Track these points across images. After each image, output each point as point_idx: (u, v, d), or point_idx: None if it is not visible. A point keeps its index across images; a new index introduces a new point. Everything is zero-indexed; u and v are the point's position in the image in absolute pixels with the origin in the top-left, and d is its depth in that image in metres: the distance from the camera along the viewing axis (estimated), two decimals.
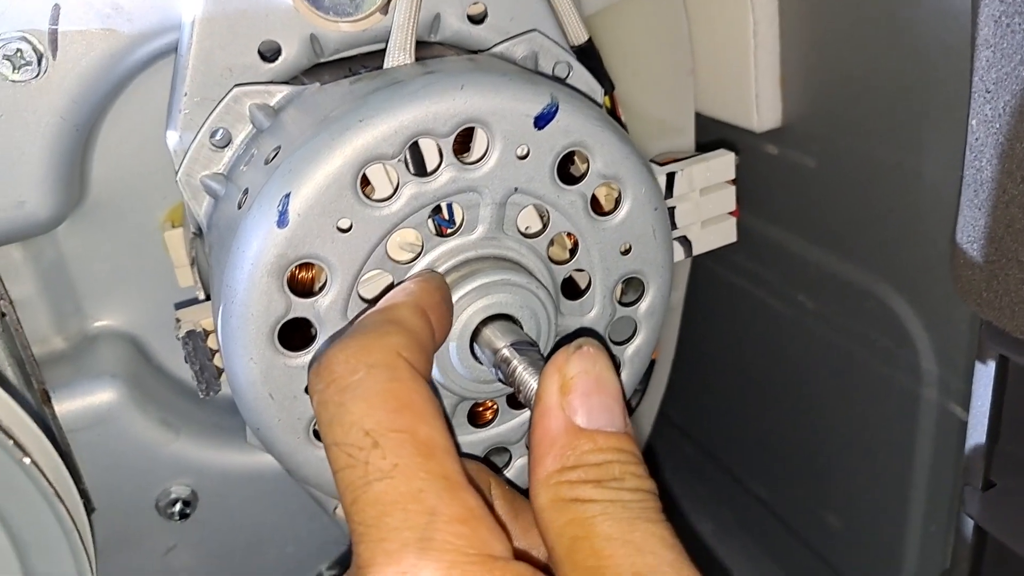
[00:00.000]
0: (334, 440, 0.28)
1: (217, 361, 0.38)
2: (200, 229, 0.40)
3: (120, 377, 0.45)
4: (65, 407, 0.44)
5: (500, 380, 0.34)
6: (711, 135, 0.61)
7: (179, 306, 0.41)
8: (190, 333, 0.37)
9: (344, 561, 0.54)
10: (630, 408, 0.58)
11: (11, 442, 0.28)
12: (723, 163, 0.44)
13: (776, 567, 0.75)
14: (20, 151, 0.38)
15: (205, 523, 0.48)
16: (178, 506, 0.47)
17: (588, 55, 0.44)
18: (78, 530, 0.31)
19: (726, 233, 0.46)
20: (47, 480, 0.29)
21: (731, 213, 0.45)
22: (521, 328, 0.36)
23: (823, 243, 0.58)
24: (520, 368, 0.33)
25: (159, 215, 0.46)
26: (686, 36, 0.53)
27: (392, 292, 0.33)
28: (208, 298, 0.42)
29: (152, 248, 0.46)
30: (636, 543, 0.27)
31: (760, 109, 0.56)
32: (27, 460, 0.29)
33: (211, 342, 0.38)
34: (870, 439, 0.60)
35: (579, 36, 0.44)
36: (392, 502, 0.26)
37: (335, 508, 0.48)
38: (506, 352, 0.34)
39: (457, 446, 0.29)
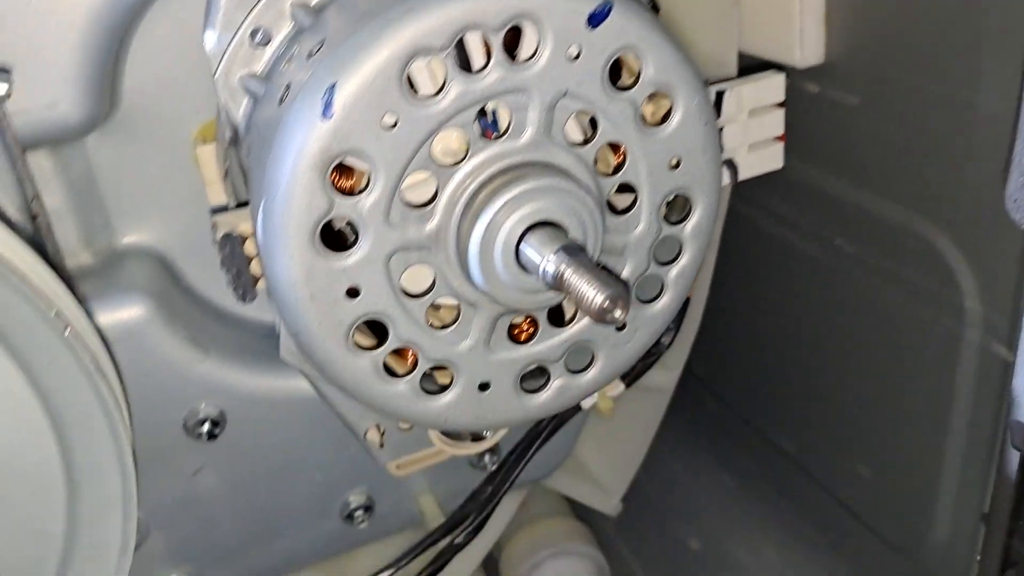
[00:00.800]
0: None
1: (254, 267, 0.37)
2: (236, 135, 0.39)
3: (149, 292, 0.44)
4: (95, 321, 0.43)
5: (548, 286, 0.33)
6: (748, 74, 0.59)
7: (214, 213, 0.40)
8: (227, 236, 0.36)
9: (373, 490, 0.53)
10: (660, 347, 0.57)
11: (54, 312, 0.27)
12: (773, 84, 0.43)
13: (801, 520, 0.74)
14: (54, 51, 0.37)
15: (233, 445, 0.48)
16: (206, 426, 0.46)
17: None
18: (119, 413, 0.30)
19: (773, 158, 0.44)
20: (90, 354, 0.28)
21: (778, 138, 0.44)
22: (568, 236, 0.34)
23: (865, 184, 0.57)
24: (569, 271, 0.32)
25: (191, 130, 0.45)
26: None
27: None
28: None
29: (183, 165, 0.45)
30: None
31: (803, 43, 0.54)
32: (69, 331, 0.28)
33: (247, 249, 0.37)
34: (907, 384, 0.58)
35: None
36: None
37: (365, 432, 0.47)
38: (555, 256, 0.33)
39: None
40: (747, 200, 0.65)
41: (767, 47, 0.57)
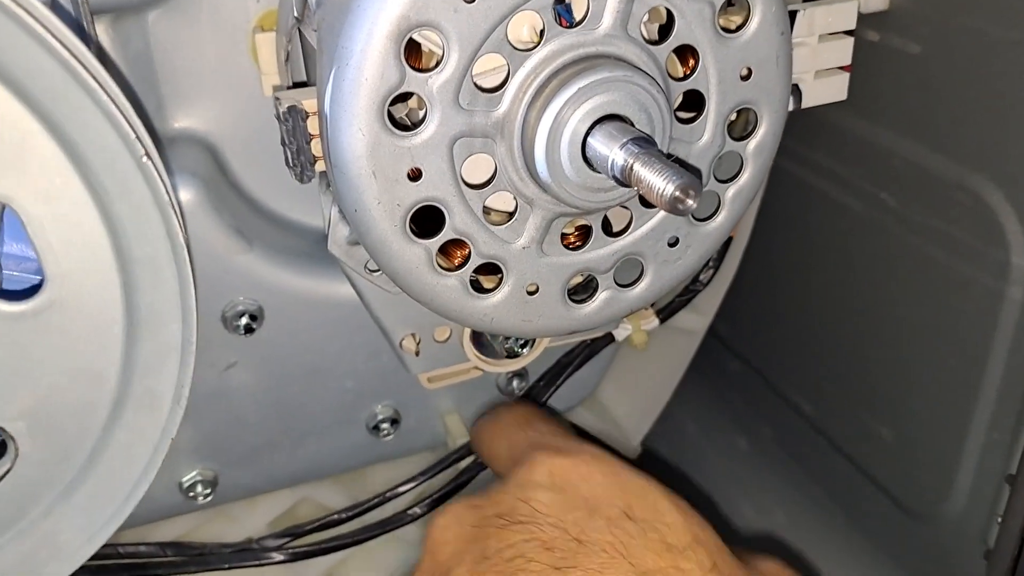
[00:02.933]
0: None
1: (314, 147, 0.37)
2: (302, 14, 0.38)
3: (198, 177, 0.44)
4: None
5: (616, 180, 0.33)
6: None
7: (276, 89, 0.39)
8: (291, 109, 0.35)
9: (401, 404, 0.53)
10: (699, 284, 0.57)
11: (134, 134, 0.26)
12: (845, 9, 0.42)
13: (815, 483, 0.74)
14: None
15: (268, 342, 0.47)
16: (244, 320, 0.46)
17: None
18: (187, 259, 0.29)
19: (839, 88, 0.44)
20: (165, 186, 0.28)
21: (845, 68, 0.43)
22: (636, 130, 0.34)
23: (917, 136, 0.56)
24: (639, 162, 0.32)
25: (250, 18, 0.44)
26: None
27: None
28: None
29: (240, 53, 0.45)
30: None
31: None
32: (146, 159, 0.27)
33: (310, 127, 0.37)
34: (941, 344, 0.58)
35: None
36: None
37: (401, 340, 0.47)
38: (624, 149, 0.32)
39: None
40: (788, 152, 0.64)
41: None
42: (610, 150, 0.32)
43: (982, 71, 0.50)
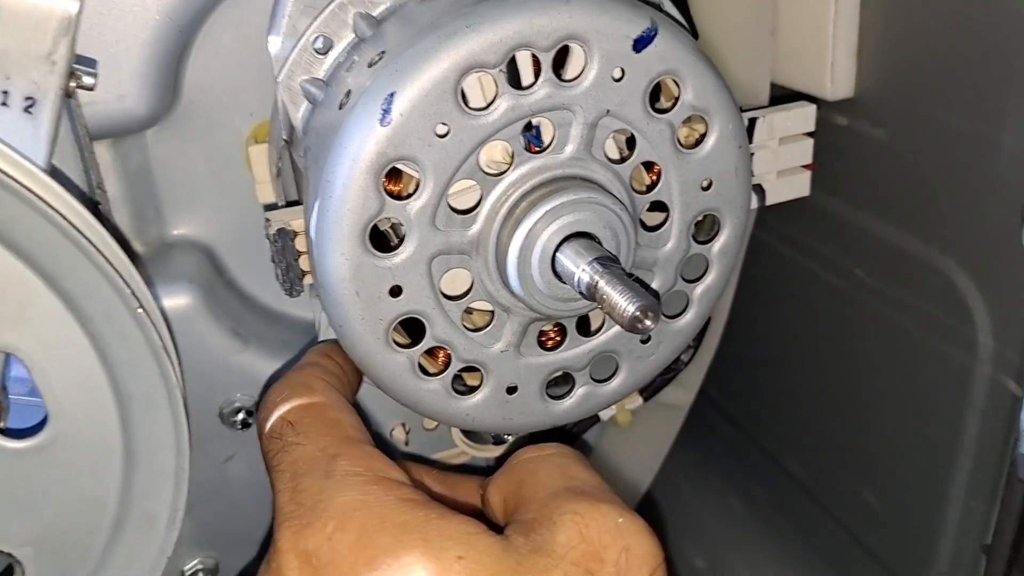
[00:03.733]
0: (264, 437, 0.36)
1: (302, 263, 0.39)
2: (291, 137, 0.41)
3: (196, 283, 0.46)
4: None
5: (582, 295, 0.35)
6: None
7: (267, 208, 0.42)
8: (280, 231, 0.38)
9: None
10: (680, 364, 0.59)
11: (128, 290, 0.29)
12: (804, 114, 0.45)
13: (806, 545, 0.75)
14: (126, 46, 0.39)
15: None
16: (240, 415, 0.48)
17: (675, 2, 0.45)
18: (179, 391, 0.32)
19: (800, 186, 0.46)
20: (158, 333, 0.30)
21: (806, 166, 0.46)
22: (602, 247, 0.36)
23: (887, 216, 0.58)
24: (603, 281, 0.34)
25: (244, 130, 0.47)
26: None
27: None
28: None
29: (234, 163, 0.47)
30: (570, 475, 0.37)
31: (834, 77, 0.56)
32: (140, 310, 0.30)
33: (298, 245, 0.39)
34: (917, 414, 0.60)
35: None
36: (302, 460, 0.34)
37: (392, 430, 0.49)
38: (589, 267, 0.34)
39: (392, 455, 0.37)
40: (768, 227, 0.66)
41: (799, 79, 0.58)
42: (577, 267, 0.35)
43: (946, 159, 0.53)
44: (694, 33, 0.46)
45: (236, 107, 0.46)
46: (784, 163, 0.45)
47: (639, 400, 0.56)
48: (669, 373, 0.58)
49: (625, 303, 0.32)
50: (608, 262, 0.34)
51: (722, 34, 0.52)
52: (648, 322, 0.32)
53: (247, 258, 0.49)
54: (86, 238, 0.28)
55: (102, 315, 0.29)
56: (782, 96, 0.55)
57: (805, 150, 0.45)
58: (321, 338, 0.42)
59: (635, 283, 0.33)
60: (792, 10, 0.56)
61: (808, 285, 0.67)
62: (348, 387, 0.40)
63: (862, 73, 0.56)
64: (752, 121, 0.44)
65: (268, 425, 0.36)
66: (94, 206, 0.39)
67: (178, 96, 0.45)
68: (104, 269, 0.28)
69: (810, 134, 0.45)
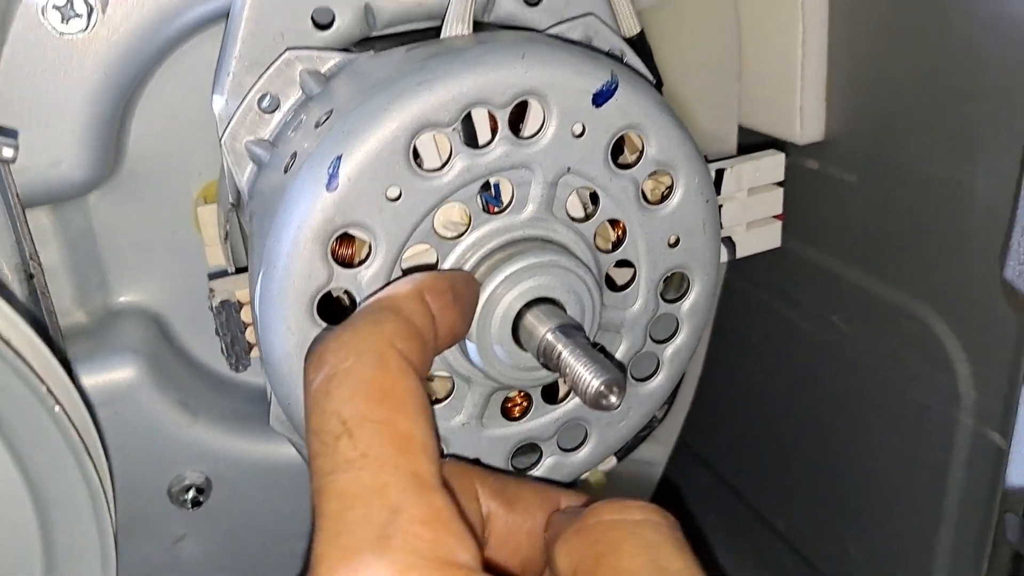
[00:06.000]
0: (312, 428, 0.27)
1: (248, 335, 0.37)
2: (238, 200, 0.38)
3: (141, 354, 0.44)
4: (83, 382, 0.42)
5: (543, 365, 0.33)
6: (747, 150, 0.60)
7: (211, 277, 0.40)
8: (224, 303, 0.36)
9: None
10: (654, 421, 0.57)
11: (44, 388, 0.27)
12: (772, 163, 0.43)
13: None
14: (61, 107, 0.37)
15: (217, 513, 0.47)
16: (191, 493, 0.45)
17: (638, 49, 0.44)
18: (103, 493, 0.29)
19: (771, 237, 0.45)
20: (78, 433, 0.28)
21: (776, 217, 0.44)
22: (565, 313, 0.34)
23: (862, 262, 0.57)
24: (566, 352, 0.32)
25: (193, 191, 0.45)
26: (736, 40, 0.52)
27: (395, 282, 0.32)
28: (239, 272, 0.40)
29: (183, 225, 0.45)
30: (661, 564, 0.27)
31: (804, 121, 0.55)
32: (57, 408, 0.27)
33: (243, 315, 0.37)
34: (901, 466, 0.58)
35: (631, 28, 0.43)
36: (355, 495, 0.25)
37: None
38: (552, 335, 0.33)
39: (441, 451, 0.30)
40: (744, 274, 0.65)
41: (768, 123, 0.57)
42: (538, 336, 0.33)
43: (918, 204, 0.51)
44: (659, 81, 0.45)
45: (184, 166, 0.44)
46: (754, 214, 0.43)
47: (612, 460, 0.54)
48: (643, 431, 0.56)
49: (589, 377, 0.30)
50: (571, 330, 0.32)
51: (687, 81, 0.51)
52: (613, 398, 0.30)
53: (197, 324, 0.47)
54: (3, 341, 0.26)
55: (17, 414, 0.27)
56: (752, 144, 0.54)
57: (775, 200, 0.43)
58: (272, 408, 0.39)
59: (600, 354, 0.31)
60: (759, 54, 0.55)
61: (786, 332, 0.65)
62: (435, 347, 0.31)
63: (832, 117, 0.55)
64: (720, 172, 0.42)
65: (320, 418, 0.27)
66: (28, 278, 0.36)
67: (122, 157, 0.42)
68: (16, 366, 0.26)
69: (780, 184, 0.44)
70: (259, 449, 0.47)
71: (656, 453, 0.61)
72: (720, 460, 0.80)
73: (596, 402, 0.30)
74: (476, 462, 0.38)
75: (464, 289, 0.33)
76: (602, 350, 0.34)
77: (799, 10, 0.51)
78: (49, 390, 0.27)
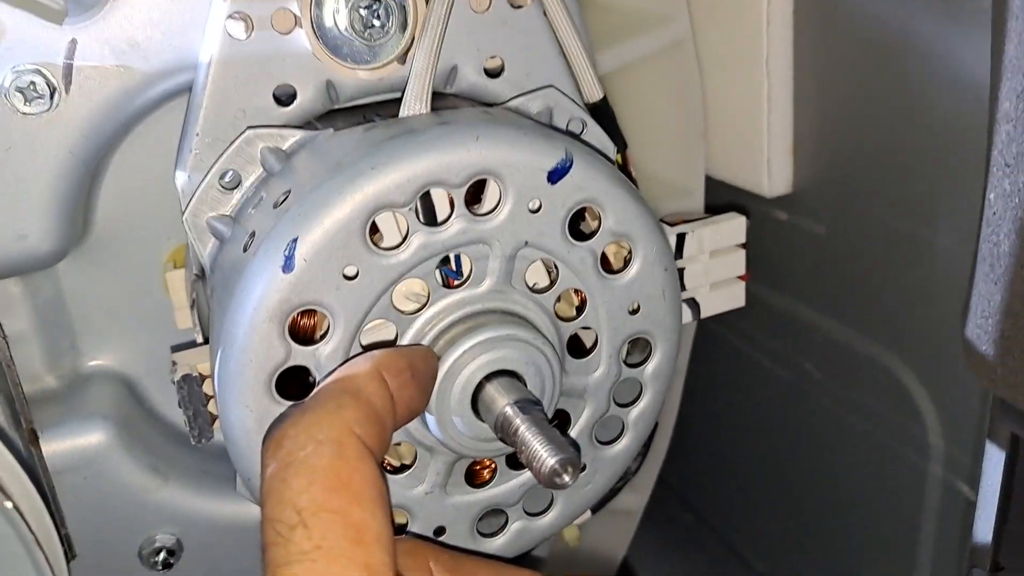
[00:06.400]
0: (267, 516, 0.27)
1: (211, 407, 0.37)
2: (202, 271, 0.39)
3: (111, 419, 0.44)
4: (52, 448, 0.42)
5: (500, 439, 0.34)
6: (721, 198, 0.61)
7: (175, 349, 0.40)
8: (185, 377, 0.36)
9: None
10: (627, 473, 0.57)
11: None
12: (734, 226, 0.44)
13: None
14: (26, 184, 0.37)
15: (188, 574, 0.47)
16: (162, 555, 0.45)
17: (602, 113, 0.44)
18: None
19: (735, 297, 0.45)
20: (28, 527, 0.28)
21: (740, 277, 0.45)
22: (525, 385, 0.35)
23: (831, 312, 0.58)
24: (522, 428, 0.32)
25: (162, 255, 0.45)
26: (699, 99, 0.53)
27: (353, 360, 0.32)
28: (207, 341, 0.41)
29: (153, 288, 0.45)
30: None
31: (771, 174, 0.56)
32: (9, 504, 0.27)
33: (206, 387, 0.37)
34: (874, 513, 0.58)
35: (594, 94, 0.43)
36: None
37: None
38: (508, 410, 0.33)
39: (400, 527, 0.31)
40: (721, 320, 0.65)
41: (737, 175, 0.58)
42: (496, 411, 0.33)
43: (884, 257, 0.52)
44: (623, 144, 0.45)
45: (153, 232, 0.44)
46: (717, 276, 0.44)
47: (587, 514, 0.54)
48: (617, 483, 0.56)
49: (544, 455, 0.31)
50: (529, 406, 0.33)
51: (652, 141, 0.51)
52: (566, 478, 0.30)
53: (168, 386, 0.46)
54: None
55: None
56: (718, 206, 0.54)
57: (738, 261, 0.44)
58: (238, 483, 0.40)
59: (556, 432, 0.32)
60: (726, 109, 0.56)
61: (763, 378, 0.66)
62: (394, 425, 0.31)
63: (799, 170, 0.56)
64: (681, 237, 0.43)
65: (276, 506, 0.27)
66: None
67: (90, 226, 0.43)
68: None
69: (742, 245, 0.44)
70: (229, 510, 0.47)
71: (633, 502, 0.61)
72: (701, 500, 0.80)
73: (550, 481, 0.30)
74: (439, 531, 0.38)
75: (423, 365, 0.33)
76: (558, 426, 0.35)
77: (763, 67, 0.52)
78: (1, 486, 0.27)
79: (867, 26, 0.47)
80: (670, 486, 0.80)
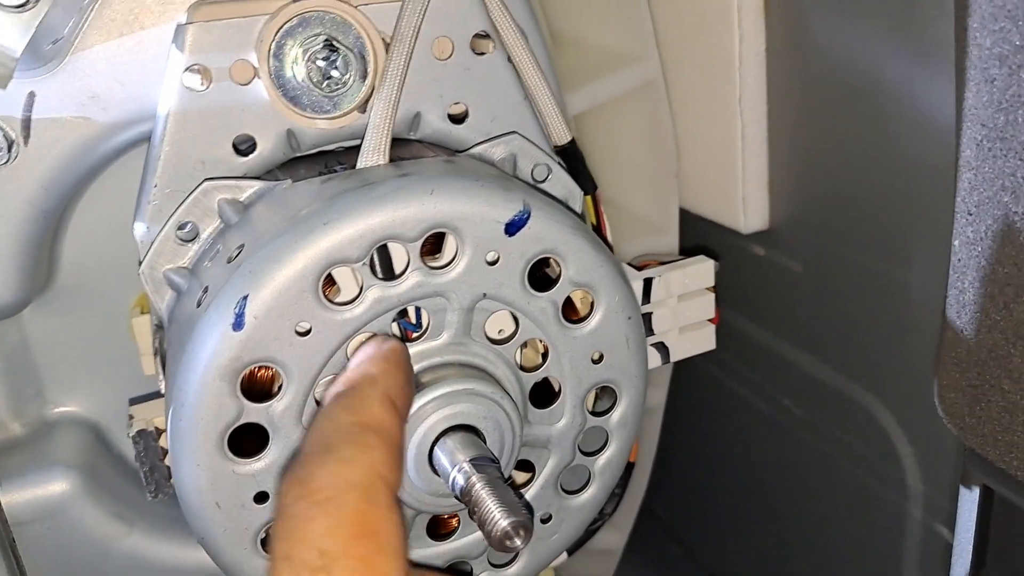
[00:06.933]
0: (285, 553, 0.27)
1: (169, 461, 0.37)
2: (161, 323, 0.39)
3: (75, 467, 0.43)
4: (15, 498, 0.42)
5: (456, 497, 0.33)
6: (699, 232, 0.60)
7: (134, 401, 0.40)
8: (141, 432, 0.35)
9: None
10: (603, 515, 0.56)
11: None
12: (702, 270, 0.43)
13: None
14: None
15: None
16: None
17: (570, 156, 0.44)
18: None
19: (705, 340, 0.45)
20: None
21: (710, 320, 0.44)
22: (484, 440, 0.34)
23: (808, 348, 0.57)
24: (477, 487, 0.32)
25: (128, 301, 0.45)
26: (671, 138, 0.53)
27: (355, 371, 0.32)
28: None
29: (119, 334, 0.45)
30: None
31: (747, 211, 0.56)
32: None
33: (163, 441, 0.37)
34: (857, 551, 0.57)
35: (562, 137, 0.43)
36: None
37: None
38: (463, 468, 0.32)
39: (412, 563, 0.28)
40: (705, 354, 0.65)
41: (713, 211, 0.58)
42: (451, 468, 0.33)
43: (859, 296, 0.52)
44: (593, 185, 0.45)
45: (118, 278, 0.44)
46: (686, 319, 0.43)
47: (563, 556, 0.53)
48: (594, 523, 0.56)
49: (496, 517, 0.30)
50: (485, 463, 0.32)
51: (624, 181, 0.51)
52: (518, 541, 0.30)
53: None
54: None
55: None
56: (690, 249, 0.54)
57: (706, 304, 0.44)
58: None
59: (510, 493, 0.31)
60: (702, 145, 0.55)
61: (744, 412, 0.65)
62: (401, 466, 0.31)
63: (775, 206, 0.56)
64: (648, 281, 0.42)
65: (297, 545, 0.26)
66: None
67: (54, 273, 0.43)
68: None
69: (712, 288, 0.44)
70: (195, 557, 0.46)
71: (613, 541, 0.60)
72: (686, 530, 0.79)
73: (501, 543, 0.30)
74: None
75: (407, 361, 0.34)
76: (512, 485, 0.34)
77: (736, 106, 0.52)
78: None
79: (839, 67, 0.47)
80: (655, 514, 0.79)
